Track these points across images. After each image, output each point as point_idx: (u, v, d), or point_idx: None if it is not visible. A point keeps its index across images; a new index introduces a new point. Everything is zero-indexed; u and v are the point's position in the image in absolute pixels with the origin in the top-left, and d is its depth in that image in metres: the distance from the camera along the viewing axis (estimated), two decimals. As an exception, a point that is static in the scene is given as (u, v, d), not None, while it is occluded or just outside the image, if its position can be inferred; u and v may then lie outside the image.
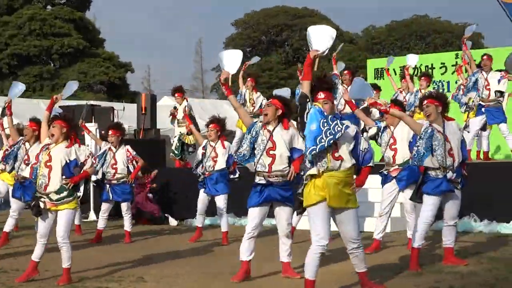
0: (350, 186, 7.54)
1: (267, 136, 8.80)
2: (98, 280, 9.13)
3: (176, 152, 17.78)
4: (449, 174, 9.20)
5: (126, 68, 54.19)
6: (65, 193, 8.91)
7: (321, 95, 7.56)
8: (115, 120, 19.37)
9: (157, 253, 11.68)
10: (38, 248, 9.19)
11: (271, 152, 8.77)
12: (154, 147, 19.03)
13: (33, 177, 9.11)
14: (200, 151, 12.99)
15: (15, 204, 12.77)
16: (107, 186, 13.49)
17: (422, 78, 16.16)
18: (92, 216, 17.32)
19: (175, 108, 17.83)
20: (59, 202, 8.90)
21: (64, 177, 8.96)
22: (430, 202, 9.32)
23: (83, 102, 26.89)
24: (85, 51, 52.02)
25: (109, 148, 13.53)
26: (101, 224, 13.55)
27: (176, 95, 17.76)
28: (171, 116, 17.88)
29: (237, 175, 12.83)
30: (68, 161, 9.04)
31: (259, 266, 9.41)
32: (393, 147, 10.96)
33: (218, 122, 12.99)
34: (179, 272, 9.71)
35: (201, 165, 12.85)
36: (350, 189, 7.53)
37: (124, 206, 13.56)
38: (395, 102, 11.03)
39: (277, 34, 66.84)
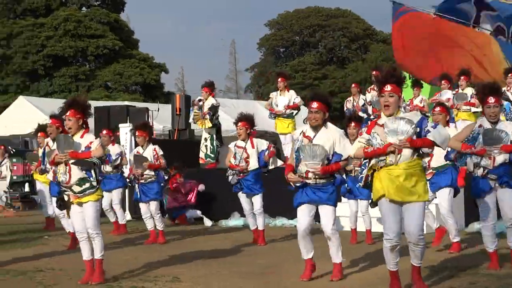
0: (415, 178, 7.54)
1: (306, 143, 8.85)
2: (134, 280, 9.18)
3: (212, 155, 17.67)
4: (490, 173, 9.00)
5: (160, 69, 54.42)
6: (87, 185, 8.95)
7: (388, 87, 7.62)
8: (150, 121, 19.47)
9: (192, 253, 11.72)
10: (82, 246, 9.22)
11: None
12: (188, 147, 19.07)
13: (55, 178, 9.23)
14: (229, 155, 12.88)
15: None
16: (137, 186, 13.56)
17: (462, 77, 16.14)
18: (127, 216, 17.45)
19: (199, 100, 17.80)
20: (82, 194, 8.95)
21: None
22: (480, 204, 9.21)
23: (119, 103, 27.13)
24: (120, 52, 52.34)
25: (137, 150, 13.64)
26: (149, 225, 13.61)
27: (203, 89, 17.73)
28: (192, 105, 17.91)
29: (268, 168, 12.84)
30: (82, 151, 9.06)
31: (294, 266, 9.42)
32: None
33: (246, 119, 12.85)
34: (214, 272, 9.75)
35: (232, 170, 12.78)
36: (414, 181, 7.53)
37: (153, 205, 13.48)
38: (439, 104, 11.20)
39: (310, 35, 66.77)
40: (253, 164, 12.61)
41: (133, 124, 18.04)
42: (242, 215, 14.08)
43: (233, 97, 63.77)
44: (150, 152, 13.33)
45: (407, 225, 7.60)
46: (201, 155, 17.80)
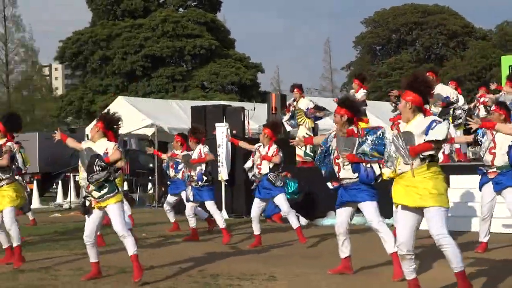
0: (427, 183, 7.33)
1: (334, 145, 9.21)
2: (231, 278, 9.23)
3: (311, 154, 17.66)
4: None
5: (257, 69, 54.69)
6: (105, 190, 9.10)
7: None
8: (246, 120, 19.57)
9: (288, 252, 11.76)
10: (88, 251, 9.42)
11: (336, 160, 9.14)
12: (284, 146, 19.05)
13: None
14: (250, 158, 13.16)
15: None
16: (190, 187, 13.67)
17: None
18: (224, 215, 17.62)
19: (294, 100, 18.05)
20: (101, 199, 9.11)
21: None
22: None
23: (215, 102, 27.33)
24: (217, 52, 52.81)
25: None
26: (191, 223, 13.93)
27: (295, 90, 17.91)
28: (286, 111, 18.16)
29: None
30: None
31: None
32: (492, 151, 10.64)
33: (271, 127, 13.24)
34: (311, 272, 9.73)
35: (251, 172, 13.03)
36: (425, 187, 7.33)
37: (208, 205, 13.71)
38: (500, 104, 10.79)
39: (407, 33, 66.01)
40: (265, 169, 12.71)
41: (229, 124, 18.21)
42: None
43: (328, 96, 63.64)
44: (197, 153, 13.64)
45: (429, 228, 7.43)
46: (300, 153, 17.87)
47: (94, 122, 9.70)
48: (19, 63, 62.12)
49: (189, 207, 13.91)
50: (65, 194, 25.69)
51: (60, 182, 26.23)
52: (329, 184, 9.55)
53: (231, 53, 54.28)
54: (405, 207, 7.49)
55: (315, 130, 18.05)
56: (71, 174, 26.35)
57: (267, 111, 20.68)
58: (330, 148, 9.27)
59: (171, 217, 15.52)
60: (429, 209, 7.35)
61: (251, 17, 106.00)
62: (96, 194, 9.14)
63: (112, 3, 55.01)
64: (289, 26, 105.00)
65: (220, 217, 13.68)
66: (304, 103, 17.82)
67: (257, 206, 12.75)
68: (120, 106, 25.32)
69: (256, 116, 21.90)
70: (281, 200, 12.75)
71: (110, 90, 52.46)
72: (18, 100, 59.94)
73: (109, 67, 52.71)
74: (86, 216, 9.36)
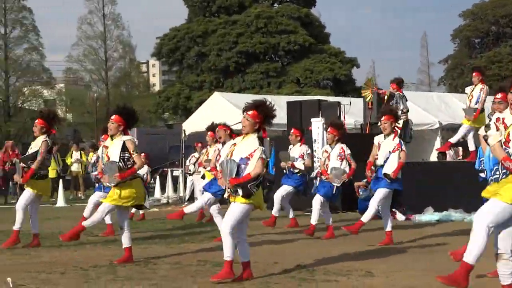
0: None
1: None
2: (327, 273, 9.20)
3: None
4: None
5: (352, 64, 54.35)
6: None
7: (498, 95, 7.35)
8: (342, 115, 19.49)
9: (384, 248, 11.69)
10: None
11: None
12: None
13: None
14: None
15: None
16: (318, 179, 13.60)
17: None
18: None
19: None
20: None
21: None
22: None
23: (311, 98, 27.31)
24: (311, 48, 52.74)
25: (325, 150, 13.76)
26: (327, 220, 13.71)
27: (391, 84, 17.79)
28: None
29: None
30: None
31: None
32: None
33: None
34: (408, 268, 9.63)
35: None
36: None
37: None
38: None
39: (506, 25, 64.50)
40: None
41: (325, 118, 18.14)
42: (436, 209, 13.82)
43: (426, 90, 62.80)
44: (337, 150, 13.34)
45: None
46: None
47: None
48: (117, 60, 63.47)
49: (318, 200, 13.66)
50: (163, 189, 26.08)
51: (157, 177, 26.60)
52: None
53: (325, 48, 54.11)
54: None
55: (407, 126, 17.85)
56: (169, 169, 26.76)
57: (363, 106, 20.54)
58: None
59: (290, 213, 15.30)
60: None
61: (346, 11, 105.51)
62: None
63: (208, 0, 55.54)
64: (386, 19, 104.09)
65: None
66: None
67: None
68: (216, 101, 25.54)
69: (352, 111, 21.78)
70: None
71: (205, 86, 53.00)
72: (117, 97, 61.11)
73: (204, 63, 53.28)
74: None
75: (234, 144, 8.89)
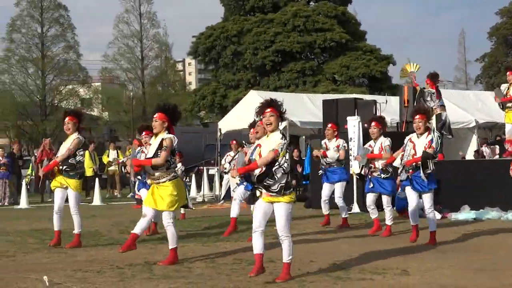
0: None
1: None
2: (363, 272, 9.19)
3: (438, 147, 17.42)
4: None
5: (387, 61, 54.08)
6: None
7: None
8: (378, 114, 19.42)
9: (420, 246, 11.63)
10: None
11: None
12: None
13: None
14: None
15: None
16: (369, 177, 13.58)
17: None
18: (355, 208, 17.56)
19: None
20: (275, 194, 8.64)
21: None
22: None
23: (346, 96, 27.25)
24: (347, 45, 52.59)
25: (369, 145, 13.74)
26: (373, 215, 13.71)
27: (426, 80, 17.76)
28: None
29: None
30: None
31: None
32: None
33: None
34: (445, 266, 9.58)
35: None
36: None
37: (384, 198, 13.59)
38: None
39: (544, 23, 63.85)
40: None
41: (361, 117, 18.10)
42: (473, 208, 13.74)
43: (463, 88, 62.33)
44: (379, 144, 13.40)
45: None
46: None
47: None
48: (153, 59, 63.69)
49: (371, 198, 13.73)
50: (199, 187, 26.17)
51: (193, 175, 26.68)
52: None
53: (361, 45, 53.91)
54: None
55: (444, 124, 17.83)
56: (204, 168, 26.85)
57: (399, 104, 20.45)
58: None
59: (326, 210, 15.18)
60: None
61: (384, 9, 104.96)
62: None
63: (243, -1, 55.61)
64: (423, 16, 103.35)
65: (390, 213, 13.56)
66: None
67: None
68: (252, 100, 25.57)
69: (388, 109, 21.71)
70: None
71: (242, 84, 53.06)
72: (153, 95, 61.37)
73: (240, 62, 53.32)
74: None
75: (259, 145, 8.91)
